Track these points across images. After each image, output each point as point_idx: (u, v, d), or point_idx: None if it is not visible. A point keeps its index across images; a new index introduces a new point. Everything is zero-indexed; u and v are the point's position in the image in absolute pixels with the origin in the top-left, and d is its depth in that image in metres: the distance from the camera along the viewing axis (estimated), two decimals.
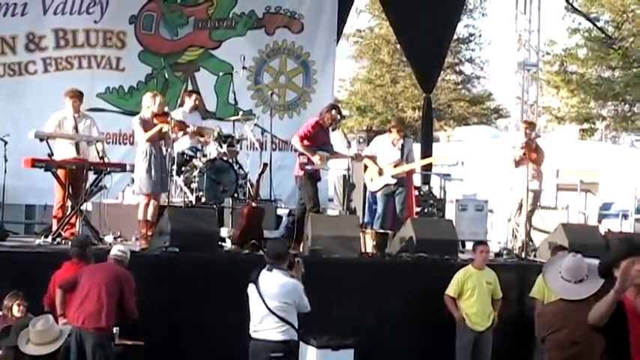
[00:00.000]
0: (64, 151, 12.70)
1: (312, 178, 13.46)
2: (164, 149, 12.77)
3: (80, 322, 9.58)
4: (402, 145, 14.24)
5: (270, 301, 8.86)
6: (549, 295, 12.17)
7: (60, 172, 12.53)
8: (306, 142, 13.43)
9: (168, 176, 12.82)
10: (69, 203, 12.58)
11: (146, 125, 12.46)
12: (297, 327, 8.98)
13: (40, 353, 8.49)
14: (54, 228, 12.64)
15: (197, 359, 11.32)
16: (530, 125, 15.27)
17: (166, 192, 12.89)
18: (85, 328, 9.57)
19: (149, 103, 12.63)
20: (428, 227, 13.66)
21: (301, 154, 13.42)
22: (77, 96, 13.13)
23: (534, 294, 12.35)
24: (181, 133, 13.58)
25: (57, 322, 9.30)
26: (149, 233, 12.38)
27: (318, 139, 13.52)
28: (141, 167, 12.36)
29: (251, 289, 9.03)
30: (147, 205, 12.44)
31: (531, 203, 14.68)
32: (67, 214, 12.51)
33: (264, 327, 8.93)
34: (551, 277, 7.35)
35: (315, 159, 13.30)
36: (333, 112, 13.68)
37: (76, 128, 12.94)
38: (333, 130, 14.07)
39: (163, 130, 12.43)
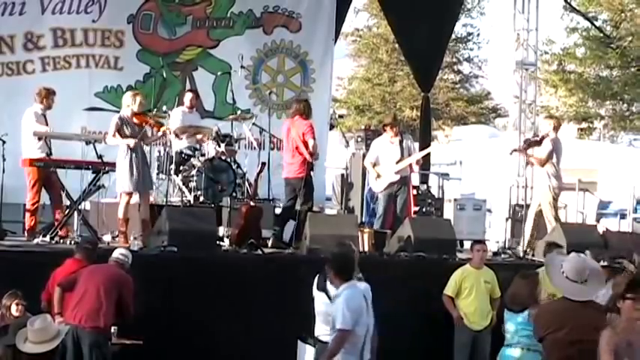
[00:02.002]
0: (35, 149, 12.67)
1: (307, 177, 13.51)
2: (161, 149, 12.81)
3: (77, 320, 9.59)
4: (400, 142, 14.26)
5: None
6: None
7: (33, 171, 12.53)
8: None
9: (162, 175, 12.86)
10: (42, 202, 12.77)
11: (124, 124, 12.55)
12: None
13: (38, 351, 8.51)
14: (28, 224, 12.78)
15: (195, 358, 11.32)
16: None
17: (151, 189, 12.93)
18: (82, 327, 9.58)
19: (129, 102, 12.69)
20: (426, 226, 13.67)
21: (311, 154, 13.45)
22: (53, 94, 13.14)
23: None
24: (160, 133, 13.51)
25: (53, 319, 9.32)
26: (145, 232, 12.43)
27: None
28: (122, 166, 12.40)
29: (319, 296, 8.94)
30: (127, 203, 12.47)
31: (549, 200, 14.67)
32: (66, 212, 12.54)
33: None
34: (555, 279, 7.36)
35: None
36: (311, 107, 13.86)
37: (46, 124, 12.97)
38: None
39: (131, 146, 12.45)
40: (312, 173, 13.52)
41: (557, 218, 14.59)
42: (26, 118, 12.95)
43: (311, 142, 13.45)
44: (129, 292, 9.86)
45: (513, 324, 9.31)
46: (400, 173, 14.21)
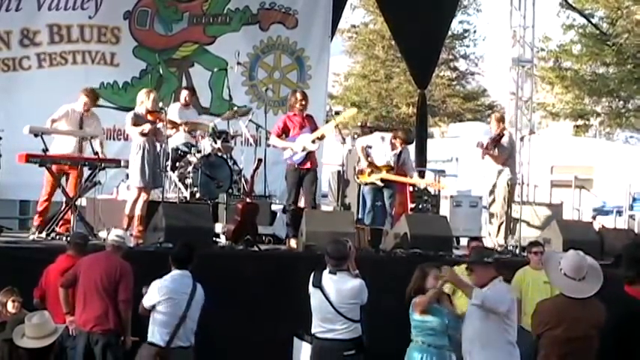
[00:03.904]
0: (62, 146, 12.68)
1: (295, 171, 13.32)
2: (157, 145, 12.79)
3: (89, 327, 9.59)
4: (400, 152, 14.21)
5: (339, 304, 8.89)
6: (526, 293, 12.24)
7: (54, 168, 12.53)
8: (283, 136, 13.41)
9: (161, 172, 12.83)
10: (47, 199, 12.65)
11: (139, 121, 12.50)
12: (360, 320, 9.03)
13: (35, 346, 8.51)
14: (35, 222, 12.68)
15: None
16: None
17: (160, 187, 12.90)
18: (94, 332, 9.58)
19: (143, 99, 12.67)
20: (422, 223, 13.66)
21: (284, 149, 13.41)
22: (92, 95, 13.13)
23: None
24: (174, 130, 13.55)
25: (60, 319, 9.38)
26: (140, 228, 12.39)
27: (295, 129, 13.43)
28: (134, 162, 12.39)
29: (315, 292, 8.99)
30: (136, 199, 12.45)
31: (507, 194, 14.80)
32: (62, 209, 12.52)
33: (332, 327, 8.94)
34: (554, 276, 7.36)
35: (295, 146, 13.19)
36: (297, 95, 13.58)
37: (80, 125, 12.94)
38: (303, 109, 13.54)
39: (145, 131, 12.43)
40: (285, 168, 13.46)
41: (508, 213, 14.68)
42: (58, 110, 12.90)
43: (270, 140, 13.76)
44: (127, 281, 9.79)
45: (411, 319, 9.35)
46: (384, 180, 14.12)
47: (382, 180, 14.02)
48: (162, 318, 8.95)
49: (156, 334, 8.96)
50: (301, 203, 13.51)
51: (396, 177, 14.15)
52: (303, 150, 13.19)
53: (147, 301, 9.07)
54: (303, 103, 13.46)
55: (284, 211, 14.22)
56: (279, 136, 13.42)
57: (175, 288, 9.02)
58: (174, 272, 9.15)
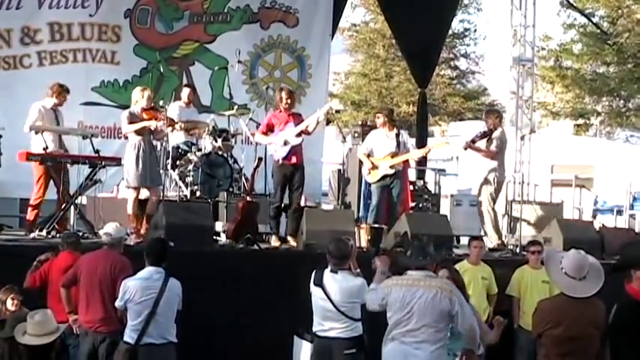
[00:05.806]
0: (43, 143, 12.64)
1: (280, 167, 13.27)
2: (157, 144, 12.78)
3: (94, 328, 9.55)
4: (397, 135, 14.21)
5: (340, 302, 8.87)
6: (525, 292, 12.25)
7: (37, 166, 12.51)
8: (269, 134, 13.39)
9: (161, 170, 12.83)
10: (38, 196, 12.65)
11: (134, 119, 12.47)
12: (361, 319, 9.03)
13: (36, 344, 8.53)
14: (30, 217, 12.67)
15: (191, 353, 11.30)
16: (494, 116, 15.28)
17: (160, 185, 12.88)
18: (99, 332, 9.57)
19: (138, 98, 12.64)
20: (422, 222, 13.66)
21: (269, 144, 13.43)
22: (66, 92, 13.10)
23: (511, 292, 12.42)
24: (170, 128, 13.52)
25: (61, 317, 9.38)
26: (140, 227, 12.38)
27: (280, 125, 13.36)
28: (128, 160, 12.38)
29: (317, 291, 8.99)
30: (135, 198, 12.43)
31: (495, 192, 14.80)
32: (62, 207, 12.51)
33: (333, 326, 8.93)
34: (555, 275, 7.36)
35: (277, 140, 13.18)
36: (282, 93, 13.54)
37: (57, 121, 12.94)
38: (289, 108, 13.49)
39: (152, 127, 12.43)
40: (272, 165, 13.55)
41: (494, 209, 14.67)
42: (30, 111, 12.89)
43: (254, 138, 13.85)
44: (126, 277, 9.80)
45: None
46: (395, 167, 14.16)
47: (392, 167, 14.03)
48: (131, 316, 8.91)
49: (127, 331, 8.92)
50: (286, 200, 13.48)
51: (401, 157, 14.14)
52: (285, 144, 13.16)
53: (118, 302, 9.01)
54: (289, 101, 13.42)
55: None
56: (264, 133, 13.41)
57: (144, 285, 8.92)
58: (145, 269, 9.06)
